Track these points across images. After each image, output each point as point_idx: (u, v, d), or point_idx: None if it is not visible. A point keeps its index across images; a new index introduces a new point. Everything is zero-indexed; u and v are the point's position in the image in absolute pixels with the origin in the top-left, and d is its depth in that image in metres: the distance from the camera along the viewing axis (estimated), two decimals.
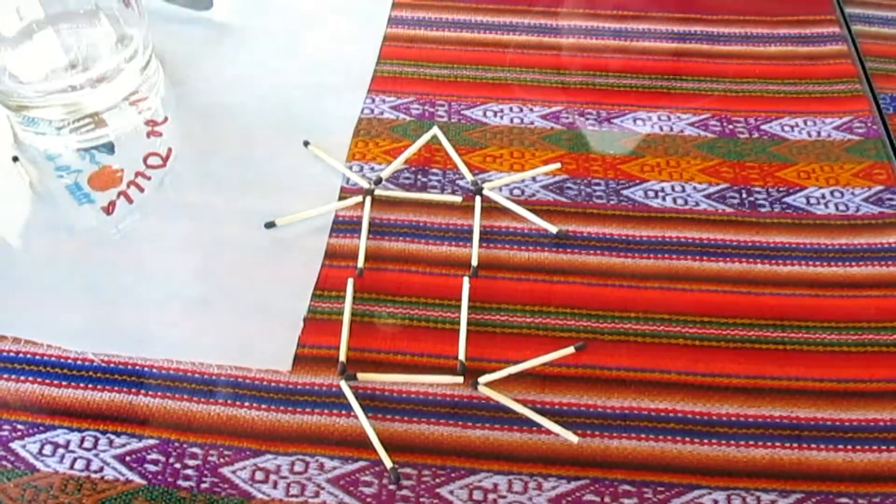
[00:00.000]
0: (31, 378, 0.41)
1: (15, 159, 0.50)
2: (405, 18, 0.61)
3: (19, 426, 0.39)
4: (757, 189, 0.49)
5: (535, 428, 0.39)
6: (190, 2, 0.61)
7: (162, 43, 0.57)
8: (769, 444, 0.39)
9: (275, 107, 0.54)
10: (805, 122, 0.54)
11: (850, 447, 0.38)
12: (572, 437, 0.38)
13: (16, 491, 0.37)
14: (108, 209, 0.48)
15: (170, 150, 0.51)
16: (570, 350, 0.41)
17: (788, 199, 0.49)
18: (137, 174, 0.50)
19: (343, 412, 0.39)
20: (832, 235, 0.47)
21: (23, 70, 0.51)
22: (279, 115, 0.54)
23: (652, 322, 0.43)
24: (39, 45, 0.52)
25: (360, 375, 0.40)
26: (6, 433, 0.39)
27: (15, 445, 0.38)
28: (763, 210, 0.48)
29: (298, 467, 0.38)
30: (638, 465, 0.38)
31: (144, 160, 0.51)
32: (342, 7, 0.62)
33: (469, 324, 0.42)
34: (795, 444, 0.38)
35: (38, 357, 0.41)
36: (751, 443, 0.39)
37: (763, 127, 0.53)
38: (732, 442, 0.39)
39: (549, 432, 0.39)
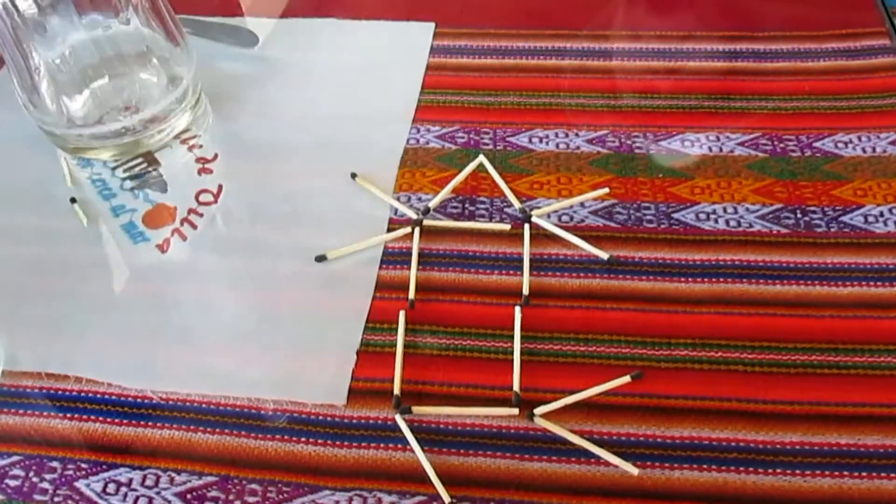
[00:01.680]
0: (93, 417, 0.41)
1: (73, 201, 0.51)
2: (447, 47, 0.62)
3: (83, 465, 0.40)
4: (812, 209, 0.48)
5: (593, 460, 0.38)
6: (236, 40, 0.62)
7: (210, 81, 0.59)
8: (836, 473, 0.37)
9: (321, 140, 0.55)
10: (859, 138, 0.52)
11: None
12: (632, 469, 0.38)
13: None
14: (163, 247, 0.49)
15: (220, 186, 0.52)
16: (627, 379, 0.40)
17: (845, 218, 0.48)
18: (190, 211, 0.51)
19: (399, 446, 0.39)
20: (893, 254, 0.46)
21: (78, 114, 0.53)
22: (326, 148, 0.54)
23: (708, 348, 0.42)
24: (94, 89, 0.53)
25: (415, 409, 0.40)
26: (71, 472, 0.39)
27: (80, 484, 0.39)
28: (819, 230, 0.47)
29: (356, 503, 0.38)
30: (701, 496, 0.37)
31: (196, 197, 0.52)
32: (384, 39, 0.63)
33: (522, 353, 0.42)
34: (865, 473, 0.37)
35: (99, 396, 0.42)
36: (817, 472, 0.37)
37: (816, 144, 0.52)
38: (798, 471, 0.37)
39: (608, 464, 0.38)
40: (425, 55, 0.61)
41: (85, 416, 0.41)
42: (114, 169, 0.54)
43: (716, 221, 0.48)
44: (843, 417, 0.39)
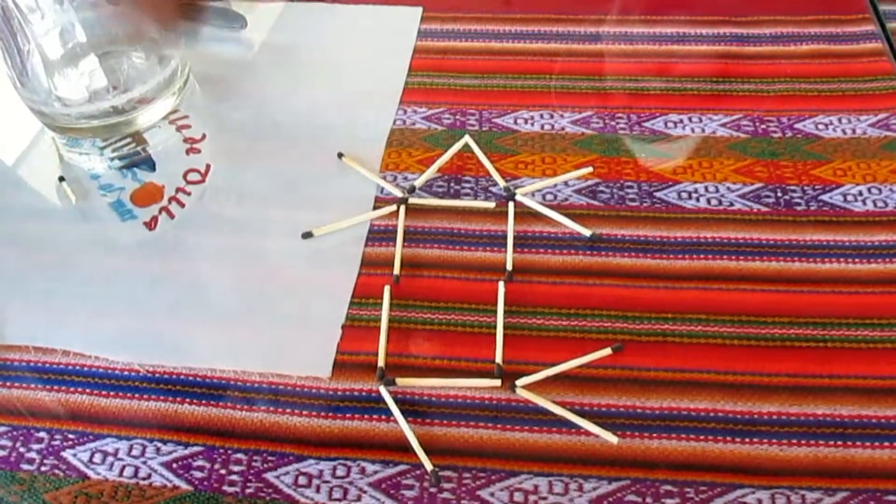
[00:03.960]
0: (80, 389, 0.42)
1: (61, 179, 0.52)
2: (434, 31, 0.62)
3: (70, 436, 0.40)
4: (792, 188, 0.49)
5: (574, 429, 0.39)
6: (224, 21, 0.62)
7: (198, 62, 0.59)
8: (813, 442, 0.38)
9: (309, 120, 0.55)
10: (840, 120, 0.53)
11: None
12: (612, 438, 0.38)
13: (68, 498, 0.38)
14: (151, 224, 0.49)
15: (208, 165, 0.52)
16: (608, 351, 0.41)
17: (825, 197, 0.48)
18: (178, 190, 0.51)
19: (383, 417, 0.40)
20: (871, 232, 0.46)
21: (67, 93, 0.53)
22: (313, 128, 0.55)
23: (689, 322, 0.43)
24: (83, 69, 0.54)
25: (399, 380, 0.41)
26: (58, 442, 0.40)
27: (66, 454, 0.39)
28: (799, 208, 0.48)
29: (340, 472, 0.38)
30: (679, 465, 0.38)
31: (184, 176, 0.52)
32: (372, 22, 0.63)
33: (505, 328, 0.43)
34: (840, 442, 0.38)
35: (86, 368, 0.43)
36: (794, 441, 0.38)
37: (796, 126, 0.53)
38: (775, 441, 0.38)
39: (588, 433, 0.39)
40: (413, 38, 0.61)
41: (72, 389, 0.42)
42: (102, 148, 0.54)
43: (697, 200, 0.49)
44: (820, 389, 0.40)
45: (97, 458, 0.39)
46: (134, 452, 0.39)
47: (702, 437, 0.38)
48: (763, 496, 0.36)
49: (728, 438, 0.38)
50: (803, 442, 0.38)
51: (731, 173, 0.50)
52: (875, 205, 0.48)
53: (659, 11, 0.62)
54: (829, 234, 0.46)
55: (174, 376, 0.42)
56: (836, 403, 0.39)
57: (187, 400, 0.41)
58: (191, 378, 0.42)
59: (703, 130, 0.53)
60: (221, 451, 0.39)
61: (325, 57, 0.60)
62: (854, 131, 0.52)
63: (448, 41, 0.61)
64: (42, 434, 0.40)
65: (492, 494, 0.37)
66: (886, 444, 0.38)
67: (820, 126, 0.53)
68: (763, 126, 0.53)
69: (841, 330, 0.42)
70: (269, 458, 0.39)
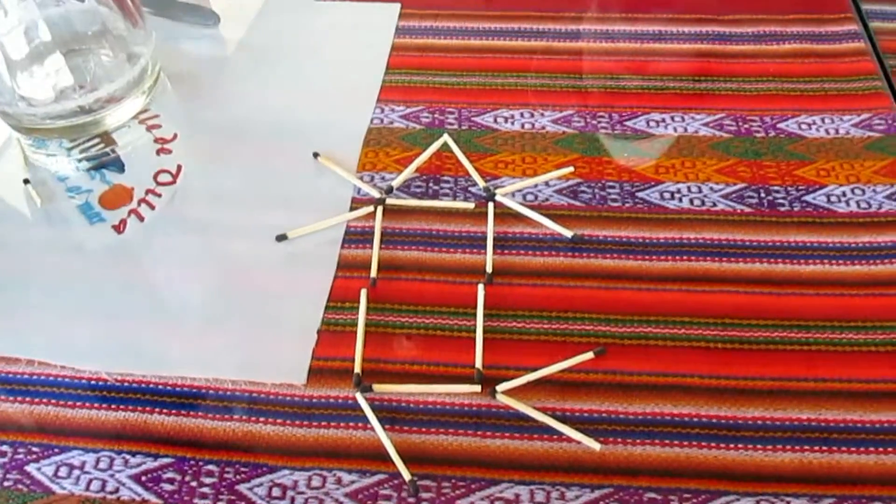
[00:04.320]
0: (45, 399, 0.40)
1: (26, 182, 0.50)
2: (412, 28, 0.61)
3: (34, 449, 0.39)
4: (775, 188, 0.48)
5: (556, 436, 0.38)
6: (197, 19, 0.61)
7: (170, 60, 0.58)
8: (798, 447, 0.37)
9: (283, 120, 0.54)
10: (823, 120, 0.53)
11: (881, 449, 0.37)
12: (594, 445, 0.37)
13: None
14: (120, 228, 0.48)
15: (179, 166, 0.51)
16: (590, 355, 0.40)
17: (808, 198, 0.48)
18: (148, 192, 0.50)
19: (360, 425, 0.39)
20: (855, 233, 0.46)
21: (32, 93, 0.51)
22: (288, 127, 0.53)
23: (672, 325, 0.42)
24: (48, 68, 0.52)
25: (376, 387, 0.40)
26: (21, 456, 0.38)
27: (31, 468, 0.38)
28: (782, 209, 0.47)
29: (316, 482, 0.37)
30: (663, 471, 0.37)
31: (155, 178, 0.51)
32: (349, 19, 0.62)
33: (485, 331, 0.42)
34: (825, 447, 0.37)
35: (51, 378, 0.41)
36: (779, 446, 0.37)
37: (779, 125, 0.52)
38: (759, 446, 0.37)
39: (570, 440, 0.38)
40: (390, 35, 0.60)
41: (37, 399, 0.40)
42: (70, 149, 0.52)
43: (680, 200, 0.48)
44: (805, 392, 0.39)
45: (63, 471, 0.38)
46: (101, 465, 0.38)
47: (686, 443, 0.38)
48: (748, 503, 0.36)
49: (712, 444, 0.38)
50: (788, 447, 0.37)
51: (714, 173, 0.49)
52: (859, 205, 0.47)
53: (640, 9, 0.62)
54: (812, 236, 0.46)
55: (143, 385, 0.41)
56: (821, 407, 0.39)
57: (157, 410, 0.40)
58: (160, 387, 0.41)
59: (686, 130, 0.52)
60: (192, 462, 0.38)
61: (300, 54, 0.59)
62: (837, 131, 0.52)
63: (427, 38, 0.60)
64: (5, 447, 0.39)
65: None
66: (872, 448, 0.37)
67: (803, 126, 0.52)
68: (746, 126, 0.52)
69: (825, 332, 0.42)
70: (242, 469, 0.38)
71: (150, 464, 0.38)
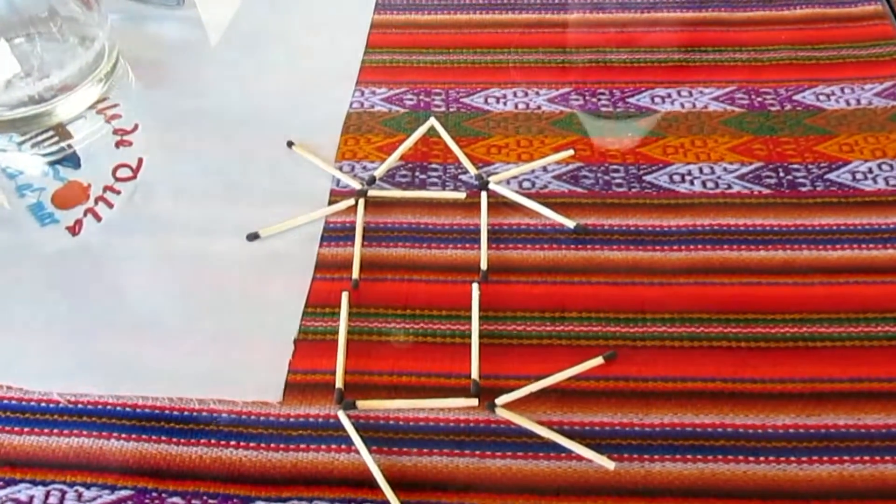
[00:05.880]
0: None
1: None
2: (394, 3, 0.59)
3: None
4: (795, 166, 0.45)
5: (563, 454, 0.35)
6: None
7: (131, 45, 0.55)
8: (836, 458, 0.34)
9: (254, 106, 0.51)
10: (842, 90, 0.50)
11: None
12: (608, 463, 0.34)
13: None
14: (74, 229, 0.44)
15: (140, 160, 0.48)
16: (599, 361, 0.38)
17: (831, 176, 0.45)
18: (106, 188, 0.47)
19: (343, 447, 0.36)
20: (884, 213, 0.43)
21: None
22: (259, 114, 0.51)
23: (689, 323, 0.39)
24: None
25: (360, 403, 0.37)
26: None
27: None
28: (804, 189, 0.44)
29: None
30: (686, 490, 0.34)
31: (113, 173, 0.47)
32: None
33: (481, 336, 0.39)
34: (867, 457, 0.34)
35: None
36: (814, 458, 0.34)
37: (795, 97, 0.49)
38: (793, 458, 0.34)
39: (580, 458, 0.35)
40: (370, 12, 0.58)
41: None
42: (21, 143, 0.49)
43: (691, 183, 0.45)
44: (841, 395, 0.36)
45: None
46: (51, 500, 0.35)
47: (710, 458, 0.35)
48: None
49: (740, 458, 0.35)
50: (825, 458, 0.34)
51: (728, 152, 0.46)
52: (887, 182, 0.44)
53: None
54: (838, 218, 0.43)
55: (99, 407, 0.38)
56: (861, 412, 0.36)
57: (114, 434, 0.36)
58: (118, 408, 0.37)
59: (694, 105, 0.49)
60: (154, 494, 0.35)
61: (274, 35, 0.56)
62: (859, 101, 0.49)
63: (409, 14, 0.58)
64: None
65: None
66: None
67: (821, 97, 0.49)
68: (759, 99, 0.49)
69: (860, 326, 0.39)
70: (211, 500, 0.34)
71: (107, 496, 0.35)
